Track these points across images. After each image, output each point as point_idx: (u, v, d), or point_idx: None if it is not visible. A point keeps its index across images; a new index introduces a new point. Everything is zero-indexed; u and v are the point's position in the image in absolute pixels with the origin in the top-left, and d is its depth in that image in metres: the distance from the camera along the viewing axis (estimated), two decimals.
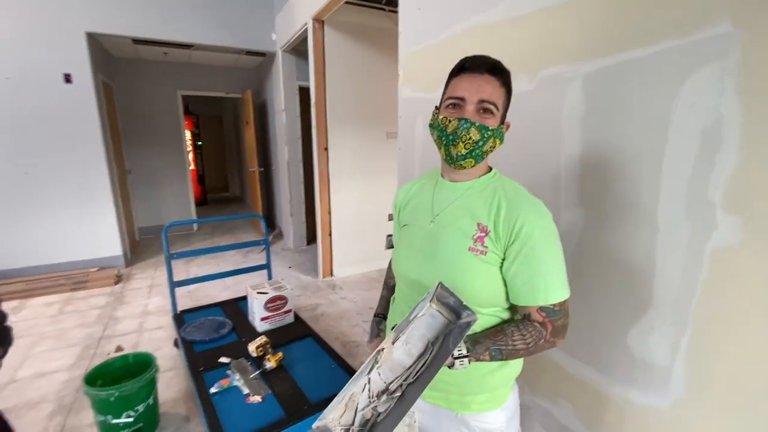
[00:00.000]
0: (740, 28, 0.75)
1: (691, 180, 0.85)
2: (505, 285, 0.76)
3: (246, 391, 1.70)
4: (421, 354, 0.67)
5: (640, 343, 0.99)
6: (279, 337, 2.15)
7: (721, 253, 0.81)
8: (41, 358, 2.33)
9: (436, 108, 0.81)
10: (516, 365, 0.84)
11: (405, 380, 0.64)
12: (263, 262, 2.89)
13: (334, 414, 0.63)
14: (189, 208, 5.52)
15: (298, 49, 4.01)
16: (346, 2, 2.82)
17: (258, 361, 1.90)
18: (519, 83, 1.22)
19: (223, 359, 1.93)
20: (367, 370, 0.66)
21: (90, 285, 3.40)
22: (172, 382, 2.12)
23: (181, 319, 2.42)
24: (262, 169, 5.21)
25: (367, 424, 0.62)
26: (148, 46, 4.19)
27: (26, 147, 3.37)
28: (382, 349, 0.68)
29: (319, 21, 3.13)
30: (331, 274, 3.74)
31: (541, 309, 0.73)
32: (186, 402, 1.98)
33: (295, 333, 2.24)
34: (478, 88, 0.72)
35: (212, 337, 2.16)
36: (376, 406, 0.63)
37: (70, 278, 3.42)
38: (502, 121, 0.78)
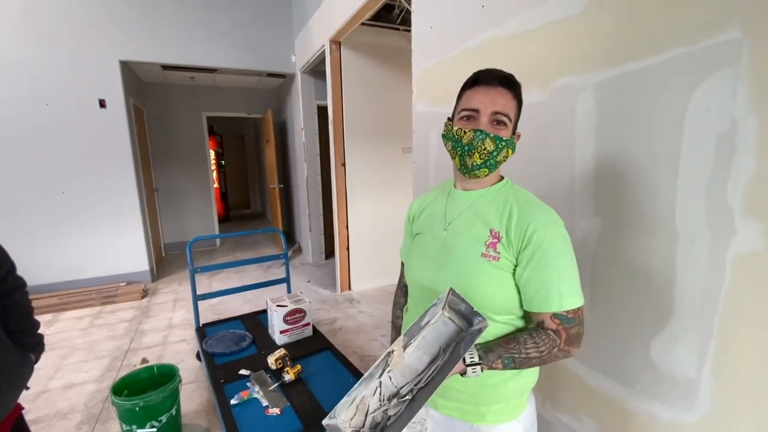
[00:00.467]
0: (749, 35, 0.75)
1: (709, 186, 0.84)
2: (518, 292, 0.76)
3: (265, 403, 1.72)
4: (433, 360, 0.68)
5: (664, 354, 0.96)
6: (298, 350, 2.17)
7: (743, 259, 0.79)
8: (72, 369, 2.42)
9: (449, 119, 0.84)
10: (531, 375, 0.83)
11: (416, 385, 0.65)
12: (283, 276, 2.95)
13: (345, 415, 0.65)
14: (213, 225, 5.69)
15: (316, 69, 4.15)
16: (362, 24, 2.92)
17: (277, 374, 1.92)
18: (531, 94, 1.24)
19: (243, 371, 1.96)
20: (378, 374, 0.68)
21: (118, 299, 3.53)
22: (194, 394, 2.16)
23: (203, 332, 2.48)
24: (282, 186, 5.34)
25: (377, 426, 0.63)
26: (176, 72, 4.43)
27: (63, 167, 3.59)
28: (392, 351, 0.69)
29: (336, 42, 3.25)
30: (349, 288, 3.76)
31: (554, 316, 0.72)
32: (207, 414, 2.01)
33: (313, 346, 2.26)
34: (492, 101, 0.75)
35: (233, 349, 2.21)
36: (386, 410, 0.64)
37: (101, 292, 3.56)
38: (514, 132, 0.80)
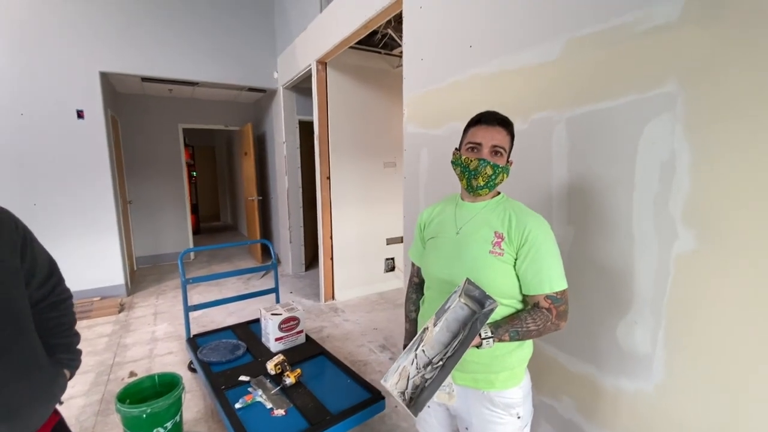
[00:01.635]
0: (683, 88, 1.00)
1: (656, 200, 1.08)
2: (518, 280, 0.97)
3: (269, 405, 1.81)
4: (455, 335, 0.86)
5: (626, 336, 1.19)
6: (293, 356, 2.26)
7: (683, 257, 1.03)
8: None
9: (457, 149, 1.06)
10: (529, 348, 1.05)
11: (444, 354, 0.82)
12: (265, 287, 3.02)
13: (392, 380, 0.81)
14: (186, 237, 5.60)
15: (299, 86, 4.30)
16: (348, 47, 3.12)
17: (276, 379, 2.01)
18: (514, 124, 1.47)
19: (243, 377, 2.04)
20: (415, 348, 0.85)
21: (94, 314, 3.43)
22: (190, 403, 2.19)
23: (195, 342, 2.51)
24: (260, 198, 5.37)
25: (417, 388, 0.81)
26: (154, 84, 4.42)
27: (37, 179, 3.48)
28: (427, 328, 0.86)
29: (322, 63, 3.43)
30: (333, 298, 3.86)
31: (546, 297, 0.94)
32: (206, 421, 2.05)
33: (307, 352, 2.36)
34: (491, 136, 0.98)
35: (228, 358, 2.27)
36: (423, 375, 0.82)
37: (75, 307, 3.44)
38: (508, 160, 1.02)
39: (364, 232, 3.92)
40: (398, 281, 4.18)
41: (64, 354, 1.07)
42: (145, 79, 4.17)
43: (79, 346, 1.12)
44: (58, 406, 1.09)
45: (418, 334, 0.87)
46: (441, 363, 0.82)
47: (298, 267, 4.82)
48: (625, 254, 1.17)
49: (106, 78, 3.90)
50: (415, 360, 0.85)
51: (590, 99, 1.22)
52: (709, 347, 1.00)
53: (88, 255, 3.74)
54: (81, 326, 3.24)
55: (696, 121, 0.98)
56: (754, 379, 0.92)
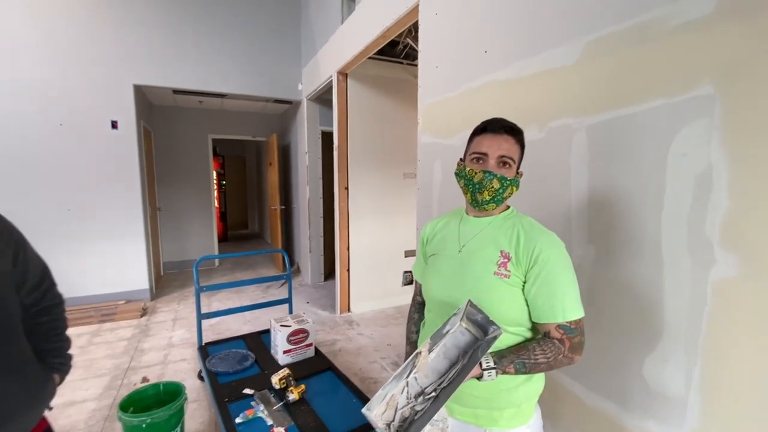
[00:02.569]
0: (720, 91, 0.87)
1: (690, 219, 0.94)
2: (527, 305, 0.86)
3: (270, 422, 1.75)
4: (453, 363, 0.76)
5: (655, 373, 1.04)
6: (300, 370, 2.20)
7: (722, 285, 0.89)
8: (72, 387, 2.42)
9: (461, 160, 0.96)
10: (539, 382, 0.92)
11: (439, 385, 0.73)
12: (283, 296, 2.99)
13: (378, 410, 0.72)
14: (212, 244, 5.73)
15: (322, 98, 4.33)
16: (368, 57, 3.10)
17: (281, 393, 1.95)
18: (530, 132, 1.36)
19: (248, 390, 1.99)
20: (406, 374, 0.76)
21: (117, 317, 3.53)
22: (195, 413, 2.17)
23: (206, 351, 2.50)
24: (283, 207, 5.43)
25: (406, 421, 0.71)
26: (186, 96, 4.60)
27: (71, 186, 3.66)
28: (419, 353, 0.77)
29: (342, 74, 3.43)
30: (349, 310, 3.79)
31: (559, 326, 0.82)
32: None
33: (316, 366, 2.29)
34: (498, 146, 0.87)
35: (236, 369, 2.23)
36: (414, 406, 0.72)
37: (99, 310, 3.57)
38: (517, 171, 0.91)
39: (382, 244, 3.85)
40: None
41: (55, 358, 1.07)
42: (176, 92, 4.34)
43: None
44: (47, 413, 1.09)
45: (409, 359, 0.78)
46: (434, 394, 0.73)
47: (317, 277, 4.80)
48: (654, 280, 1.03)
49: (140, 90, 4.09)
50: (405, 388, 0.75)
51: (612, 105, 1.11)
52: (754, 395, 0.84)
53: (115, 259, 3.88)
54: (104, 329, 3.34)
55: (737, 129, 0.85)
56: None
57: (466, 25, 1.72)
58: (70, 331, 1.15)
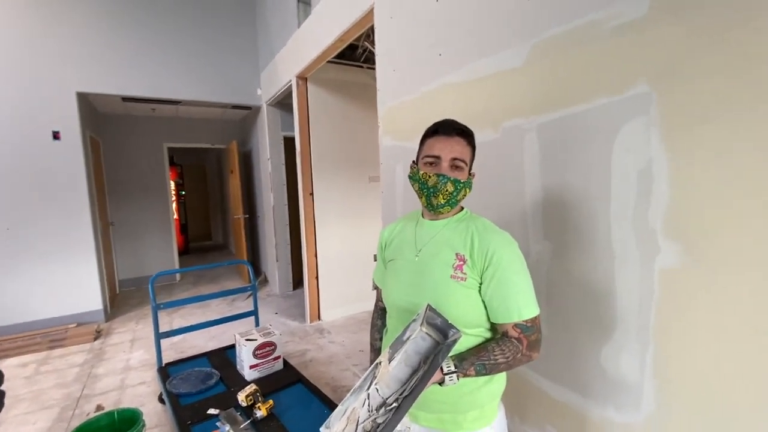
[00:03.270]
0: (655, 89, 0.92)
1: (635, 211, 0.99)
2: (485, 306, 0.86)
3: None
4: (414, 371, 0.74)
5: (612, 362, 1.08)
6: (269, 385, 2.12)
7: (667, 273, 0.93)
8: (16, 423, 2.21)
9: (414, 162, 0.95)
10: (500, 381, 0.93)
11: (401, 394, 0.71)
12: (248, 309, 2.88)
13: (338, 426, 0.69)
14: (172, 259, 5.46)
15: (282, 102, 4.24)
16: (327, 61, 3.07)
17: (248, 411, 1.87)
18: (485, 133, 1.39)
19: (212, 411, 1.89)
20: (366, 386, 0.73)
21: (68, 342, 3.28)
22: None
23: (166, 372, 2.37)
24: (247, 216, 5.27)
25: None
26: (137, 103, 4.36)
27: (9, 203, 3.37)
28: (379, 363, 0.75)
29: (302, 78, 3.38)
30: (319, 318, 3.72)
31: (516, 326, 0.83)
32: None
33: (284, 380, 2.22)
34: (450, 148, 0.87)
35: (199, 388, 2.13)
36: (375, 419, 0.70)
37: (47, 336, 3.30)
38: (470, 173, 0.92)
39: (351, 249, 3.81)
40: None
41: None
42: (126, 99, 4.11)
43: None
44: None
45: (369, 370, 0.76)
46: (396, 404, 0.71)
47: (285, 286, 4.68)
48: (606, 272, 1.07)
49: (84, 98, 3.84)
50: (366, 401, 0.73)
51: (559, 104, 1.14)
52: (703, 377, 0.89)
53: (64, 279, 3.60)
54: (53, 356, 3.09)
55: (672, 125, 0.90)
56: (755, 414, 0.81)
57: (420, 28, 1.73)
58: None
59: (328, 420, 0.72)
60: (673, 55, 0.88)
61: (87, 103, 4.03)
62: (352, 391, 0.75)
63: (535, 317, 0.84)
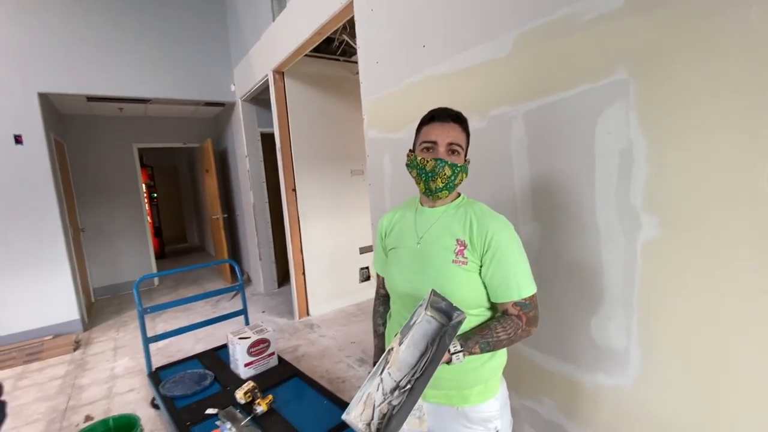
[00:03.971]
0: (633, 76, 0.99)
1: (617, 190, 1.06)
2: (485, 288, 0.91)
3: None
4: (423, 353, 0.78)
5: (601, 332, 1.16)
6: (265, 381, 2.13)
7: (649, 246, 1.01)
8: None
9: (411, 151, 0.99)
10: (502, 357, 0.98)
11: (413, 376, 0.75)
12: (234, 309, 2.85)
13: (356, 411, 0.73)
14: (149, 263, 5.29)
15: (258, 98, 4.17)
16: (304, 55, 3.04)
17: (247, 408, 1.88)
18: (473, 122, 1.42)
19: (210, 410, 1.89)
20: (380, 371, 0.77)
21: (45, 355, 3.14)
22: None
23: (157, 376, 2.33)
24: (226, 216, 5.16)
25: (384, 417, 0.72)
26: (102, 103, 4.17)
27: None
28: (392, 349, 0.78)
29: (279, 73, 3.33)
30: (308, 314, 3.73)
31: (515, 304, 0.89)
32: None
33: (280, 375, 2.23)
34: (446, 134, 0.91)
35: (194, 390, 2.11)
36: (390, 401, 0.73)
37: (23, 350, 3.15)
38: (465, 158, 0.96)
39: (336, 243, 3.82)
40: (374, 291, 4.08)
41: None
42: (90, 99, 3.93)
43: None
44: None
45: (383, 356, 0.79)
46: (409, 386, 0.75)
47: (270, 284, 4.64)
48: (592, 248, 1.15)
49: (46, 99, 3.64)
50: (380, 385, 0.76)
51: (543, 92, 1.20)
52: (683, 338, 0.98)
53: (36, 291, 3.44)
54: (31, 369, 2.97)
55: (649, 108, 0.97)
56: (729, 368, 0.90)
57: (403, 20, 1.75)
58: None
59: (348, 406, 0.75)
60: (648, 45, 0.95)
61: (49, 105, 3.82)
62: (368, 377, 0.78)
63: (533, 295, 0.90)
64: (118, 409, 2.37)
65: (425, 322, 0.83)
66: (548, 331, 1.31)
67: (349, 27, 2.84)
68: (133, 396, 2.50)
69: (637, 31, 0.97)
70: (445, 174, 0.91)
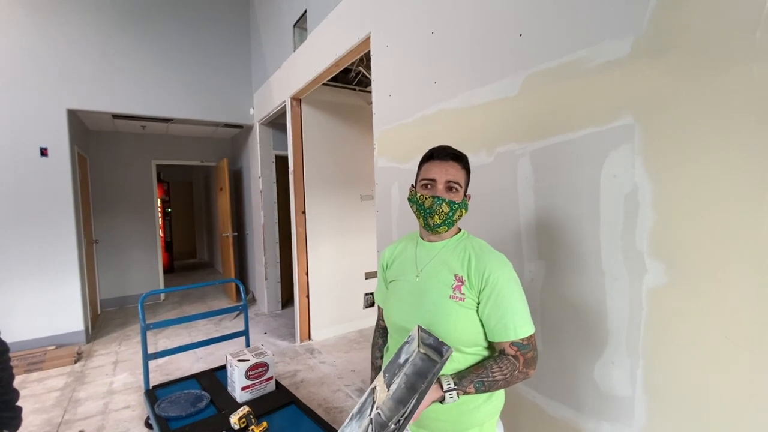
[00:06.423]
0: (639, 121, 1.00)
1: (623, 234, 1.05)
2: (482, 326, 0.90)
3: None
4: (415, 391, 0.77)
5: (604, 377, 1.12)
6: (261, 407, 2.09)
7: (654, 291, 0.99)
8: None
9: (413, 186, 1.01)
10: (499, 399, 0.96)
11: (402, 415, 0.73)
12: (237, 329, 2.84)
13: None
14: (157, 277, 5.34)
15: (275, 122, 4.30)
16: (322, 84, 3.15)
17: None
18: (480, 157, 1.46)
19: None
20: (368, 412, 0.75)
21: (46, 365, 3.15)
22: None
23: (153, 395, 2.30)
24: (235, 234, 5.23)
25: None
26: (126, 121, 4.35)
27: None
28: (375, 388, 0.77)
29: (296, 99, 3.45)
30: (309, 338, 3.68)
31: (512, 344, 0.87)
32: None
33: (277, 401, 2.18)
34: (445, 172, 0.93)
35: (189, 411, 2.07)
36: None
37: (24, 359, 3.16)
38: (465, 195, 0.98)
39: (342, 267, 3.82)
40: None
41: (3, 413, 0.98)
42: (116, 117, 4.10)
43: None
44: None
45: (364, 396, 0.78)
46: (398, 425, 0.73)
47: (274, 305, 4.62)
48: (596, 290, 1.13)
49: (74, 115, 3.82)
50: (370, 426, 0.75)
51: (551, 132, 1.22)
52: (691, 390, 0.94)
53: (44, 299, 3.48)
54: (31, 379, 2.97)
55: (655, 154, 0.98)
56: (739, 425, 0.86)
57: (417, 57, 1.82)
58: None
59: None
60: (653, 92, 0.97)
61: (76, 120, 4.00)
62: (350, 417, 0.76)
63: (531, 335, 0.88)
64: (111, 425, 2.34)
65: (418, 360, 0.81)
66: (550, 373, 1.27)
67: (366, 59, 2.96)
68: (128, 414, 2.47)
69: (644, 78, 0.99)
70: (442, 211, 0.93)
